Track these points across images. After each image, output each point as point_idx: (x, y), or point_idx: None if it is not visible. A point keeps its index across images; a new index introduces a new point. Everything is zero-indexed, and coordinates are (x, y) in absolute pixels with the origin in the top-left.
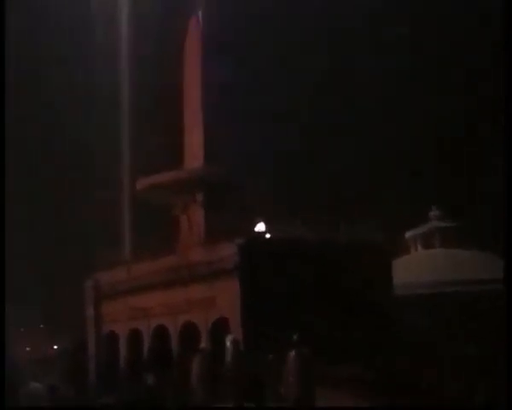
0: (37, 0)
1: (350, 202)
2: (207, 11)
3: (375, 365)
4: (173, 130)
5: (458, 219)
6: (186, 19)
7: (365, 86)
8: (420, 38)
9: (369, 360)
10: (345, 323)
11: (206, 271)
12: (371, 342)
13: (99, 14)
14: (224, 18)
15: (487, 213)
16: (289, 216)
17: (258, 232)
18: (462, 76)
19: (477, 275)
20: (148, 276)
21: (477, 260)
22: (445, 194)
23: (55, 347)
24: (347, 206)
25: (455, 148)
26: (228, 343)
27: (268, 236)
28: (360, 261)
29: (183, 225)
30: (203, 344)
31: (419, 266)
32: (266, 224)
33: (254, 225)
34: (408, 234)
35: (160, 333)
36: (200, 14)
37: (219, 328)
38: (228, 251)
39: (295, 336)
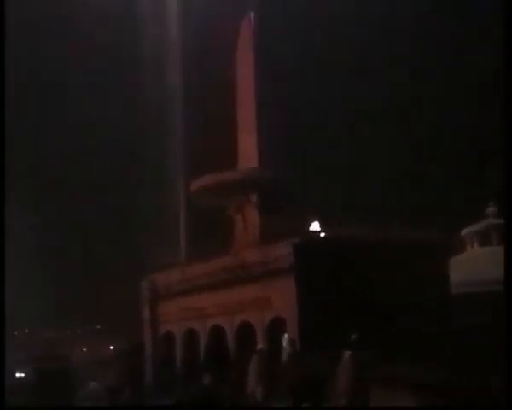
0: None
1: (405, 200)
2: (260, 11)
3: (435, 365)
4: (227, 131)
5: None
6: (238, 19)
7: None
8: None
9: (428, 361)
10: (402, 322)
11: (261, 271)
12: (429, 342)
13: (149, 14)
14: (277, 18)
15: None
16: (344, 215)
17: (313, 232)
18: None
19: None
20: (204, 277)
21: None
22: (502, 190)
23: (112, 348)
24: (402, 204)
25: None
26: (284, 343)
27: (323, 235)
28: (415, 260)
29: (238, 225)
30: (260, 345)
31: (475, 263)
32: (321, 223)
33: (309, 225)
34: (464, 231)
35: (217, 333)
36: (252, 14)
37: (275, 328)
38: (283, 251)
39: (351, 336)
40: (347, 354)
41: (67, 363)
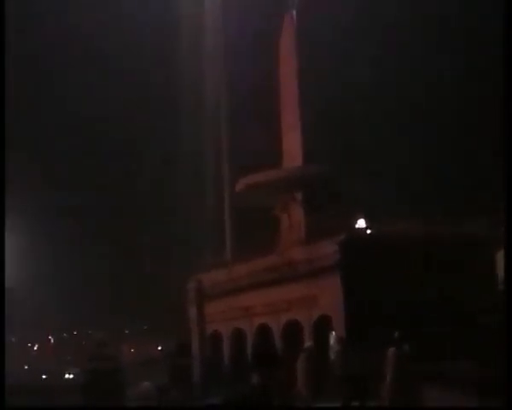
0: None
1: (454, 195)
2: (302, 8)
3: (486, 363)
4: (271, 130)
5: None
6: (280, 16)
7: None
8: None
9: (478, 358)
10: (452, 319)
11: (307, 269)
12: (480, 339)
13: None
14: (319, 15)
15: None
16: (390, 212)
17: (359, 229)
18: None
19: None
20: (250, 276)
21: None
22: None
23: (159, 348)
24: (451, 199)
25: None
26: (331, 341)
27: (369, 232)
28: (465, 256)
29: (283, 224)
30: (308, 343)
31: None
32: (367, 220)
33: (355, 222)
34: None
35: (263, 332)
36: (294, 12)
37: (322, 326)
38: (329, 249)
39: (396, 334)
40: (392, 350)
41: (116, 363)
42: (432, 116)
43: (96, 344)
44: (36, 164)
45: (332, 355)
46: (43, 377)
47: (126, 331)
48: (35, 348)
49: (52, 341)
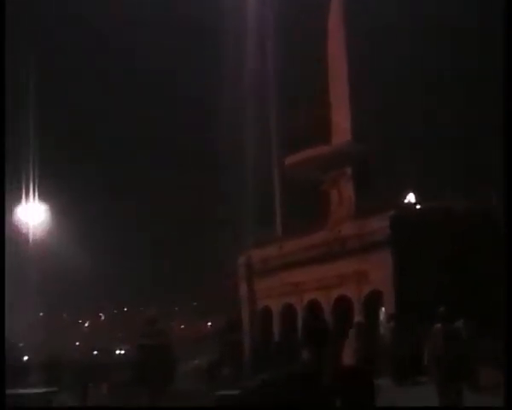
0: None
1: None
2: None
3: None
4: (320, 105)
5: None
6: None
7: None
8: None
9: None
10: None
11: (357, 244)
12: None
13: None
14: None
15: None
16: (440, 186)
17: (409, 204)
18: None
19: None
20: (300, 252)
21: None
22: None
23: (209, 324)
24: (500, 175)
25: None
26: (382, 317)
27: (419, 207)
28: None
29: (333, 199)
30: (359, 317)
31: None
32: (417, 195)
33: (405, 197)
34: None
35: (314, 308)
36: None
37: (372, 302)
38: (379, 224)
39: (444, 309)
40: (441, 326)
41: (167, 340)
42: (479, 89)
43: (147, 321)
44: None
45: (382, 331)
46: (95, 353)
47: (176, 308)
48: (86, 325)
49: (103, 318)
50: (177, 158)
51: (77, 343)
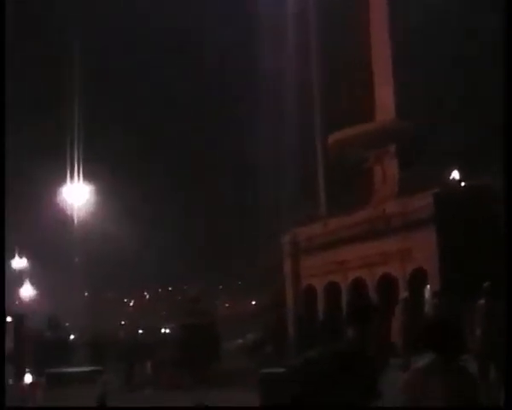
0: None
1: None
2: None
3: None
4: (363, 83)
5: None
6: None
7: None
8: None
9: None
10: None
11: (401, 222)
12: None
13: None
14: None
15: None
16: (484, 164)
17: (453, 181)
18: None
19: None
20: (344, 229)
21: None
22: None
23: (254, 303)
24: None
25: None
26: (426, 295)
27: (463, 184)
28: None
29: (377, 177)
30: (404, 293)
31: None
32: (461, 172)
33: (449, 175)
34: None
35: (358, 286)
36: None
37: (417, 279)
38: (423, 202)
39: (488, 285)
40: (484, 303)
41: (211, 319)
42: None
43: (191, 300)
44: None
45: (427, 309)
46: (140, 332)
47: (220, 287)
48: (131, 304)
49: (147, 297)
50: (221, 139)
51: (122, 322)
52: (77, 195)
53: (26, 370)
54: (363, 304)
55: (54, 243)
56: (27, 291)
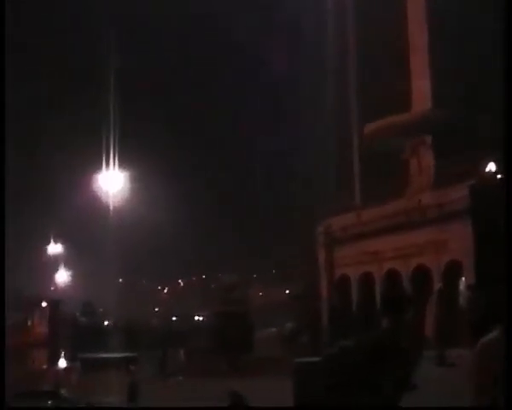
0: None
1: None
2: None
3: None
4: (400, 74)
5: None
6: None
7: None
8: None
9: None
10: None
11: (436, 214)
12: None
13: None
14: None
15: None
16: None
17: (489, 173)
18: None
19: None
20: (379, 220)
21: None
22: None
23: (287, 292)
24: None
25: None
26: (461, 287)
27: (499, 176)
28: None
29: (413, 168)
30: (439, 284)
31: None
32: (497, 164)
33: (485, 166)
34: None
35: (392, 276)
36: None
37: (452, 271)
38: (459, 193)
39: None
40: None
41: (245, 307)
42: None
43: (226, 288)
44: None
45: (461, 301)
46: (173, 319)
47: (255, 275)
48: (165, 291)
49: (182, 284)
50: (256, 127)
51: (156, 309)
52: (112, 181)
53: (61, 354)
54: (397, 295)
55: (89, 229)
56: (62, 277)
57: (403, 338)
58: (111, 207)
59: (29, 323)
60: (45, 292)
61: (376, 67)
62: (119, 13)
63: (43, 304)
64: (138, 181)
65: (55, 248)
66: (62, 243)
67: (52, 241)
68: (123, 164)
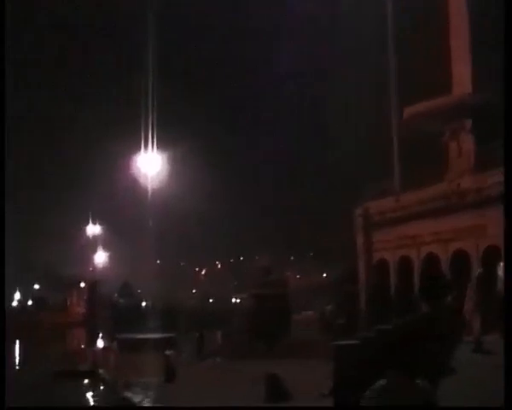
0: None
1: None
2: None
3: None
4: (440, 58)
5: None
6: None
7: None
8: None
9: None
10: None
11: (476, 198)
12: None
13: None
14: None
15: None
16: None
17: None
18: None
19: None
20: (418, 204)
21: None
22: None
23: (325, 275)
24: None
25: None
26: (500, 273)
27: None
28: None
29: (452, 152)
30: (479, 270)
31: None
32: None
33: None
34: None
35: (431, 261)
36: None
37: (490, 256)
38: (499, 178)
39: None
40: None
41: (282, 289)
42: None
43: (263, 270)
44: None
45: (499, 285)
46: (210, 301)
47: (292, 258)
48: (202, 273)
49: (219, 266)
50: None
51: (193, 291)
52: (151, 163)
53: (99, 335)
54: (436, 280)
55: (127, 211)
56: (101, 258)
57: (441, 323)
58: (149, 189)
59: (68, 303)
60: (84, 273)
61: (416, 51)
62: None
63: (82, 285)
64: (176, 163)
65: (93, 230)
66: (101, 225)
67: (91, 222)
68: (161, 146)
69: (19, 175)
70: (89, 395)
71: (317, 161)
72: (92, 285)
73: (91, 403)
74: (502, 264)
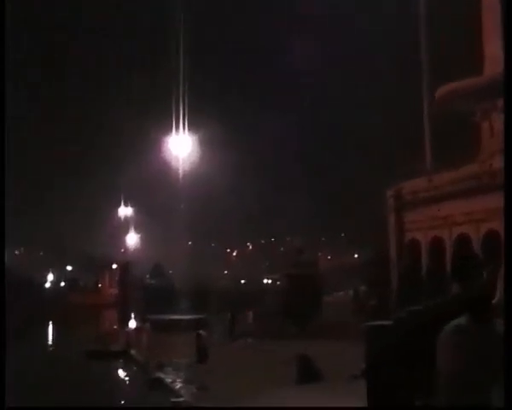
0: None
1: None
2: None
3: None
4: (472, 36)
5: None
6: None
7: None
8: None
9: None
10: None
11: None
12: None
13: None
14: None
15: None
16: None
17: None
18: None
19: None
20: (450, 184)
21: None
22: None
23: (356, 255)
24: None
25: None
26: None
27: None
28: None
29: (484, 132)
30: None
31: None
32: None
33: None
34: None
35: (463, 241)
36: None
37: None
38: None
39: None
40: None
41: (314, 270)
42: None
43: (295, 251)
44: None
45: None
46: (242, 282)
47: (323, 239)
48: (234, 254)
49: (251, 247)
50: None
51: (225, 272)
52: (182, 145)
53: (131, 316)
54: (467, 259)
55: (159, 192)
56: (132, 239)
57: (473, 304)
58: (181, 171)
59: (100, 284)
60: (116, 254)
61: (448, 30)
62: None
63: (114, 266)
64: (208, 145)
65: (125, 212)
66: (133, 207)
67: (123, 204)
68: (192, 128)
69: (50, 162)
70: (121, 374)
71: (350, 142)
72: (124, 266)
73: (125, 383)
74: None
